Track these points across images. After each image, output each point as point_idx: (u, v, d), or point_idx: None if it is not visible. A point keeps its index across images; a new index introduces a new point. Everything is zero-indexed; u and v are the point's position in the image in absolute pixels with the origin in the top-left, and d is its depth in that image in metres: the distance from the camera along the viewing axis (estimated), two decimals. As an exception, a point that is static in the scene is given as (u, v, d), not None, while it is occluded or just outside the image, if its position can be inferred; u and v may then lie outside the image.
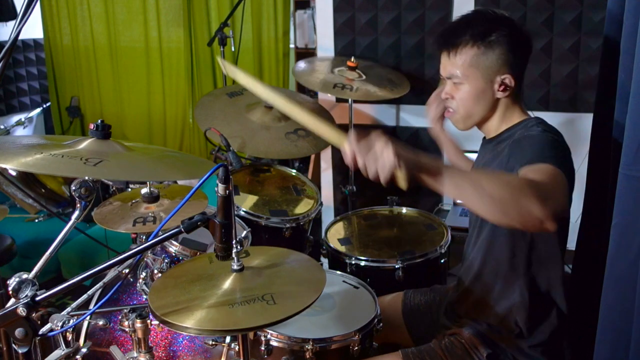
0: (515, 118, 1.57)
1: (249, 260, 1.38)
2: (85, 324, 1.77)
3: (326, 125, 1.35)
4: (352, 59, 2.57)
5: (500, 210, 1.15)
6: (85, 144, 1.38)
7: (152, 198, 1.68)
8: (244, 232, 1.95)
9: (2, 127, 4.18)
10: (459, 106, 1.55)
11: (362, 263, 2.05)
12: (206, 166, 1.54)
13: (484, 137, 1.65)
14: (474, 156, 1.76)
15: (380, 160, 1.16)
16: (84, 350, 1.34)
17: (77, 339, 1.75)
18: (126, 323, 1.56)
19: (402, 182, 1.18)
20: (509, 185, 1.16)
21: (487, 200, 1.15)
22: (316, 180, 3.10)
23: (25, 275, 1.09)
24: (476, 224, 1.63)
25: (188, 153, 4.37)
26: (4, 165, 1.19)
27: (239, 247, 1.26)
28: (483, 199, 1.16)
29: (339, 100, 2.99)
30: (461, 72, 1.50)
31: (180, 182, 2.15)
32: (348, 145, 1.23)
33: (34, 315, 1.07)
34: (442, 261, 2.10)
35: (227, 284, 1.27)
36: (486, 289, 1.60)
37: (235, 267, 1.29)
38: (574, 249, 1.87)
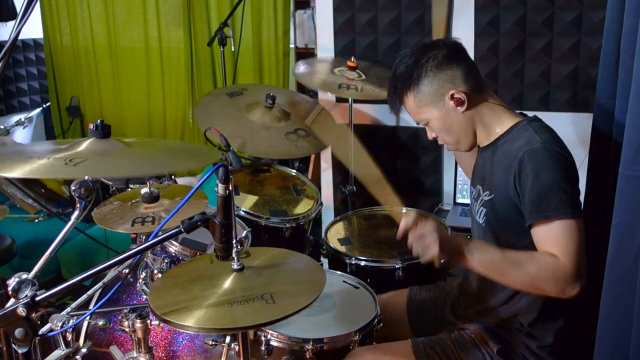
0: (505, 122, 1.55)
1: (249, 260, 1.38)
2: (85, 324, 1.77)
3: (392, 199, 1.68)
4: (352, 59, 2.57)
5: (531, 291, 1.47)
6: (85, 144, 1.37)
7: (152, 198, 1.68)
8: (244, 232, 1.95)
9: (2, 127, 4.18)
10: (444, 138, 1.60)
11: (362, 263, 2.05)
12: (207, 154, 1.53)
13: (479, 146, 1.63)
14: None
15: (427, 250, 1.42)
16: (83, 350, 1.35)
17: (77, 339, 1.75)
18: (126, 323, 1.56)
19: (436, 264, 1.46)
20: (536, 278, 1.39)
21: (518, 286, 1.48)
22: (316, 180, 3.09)
23: (25, 275, 1.09)
24: (479, 230, 1.62)
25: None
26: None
27: (239, 247, 1.26)
28: (513, 285, 1.47)
29: (338, 100, 2.99)
30: (418, 115, 1.57)
31: (180, 182, 2.15)
32: (404, 223, 1.48)
33: (33, 315, 1.07)
34: (442, 261, 2.10)
35: (227, 283, 1.27)
36: (492, 292, 1.60)
37: (235, 266, 1.29)
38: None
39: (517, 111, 1.61)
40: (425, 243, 1.43)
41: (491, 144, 1.57)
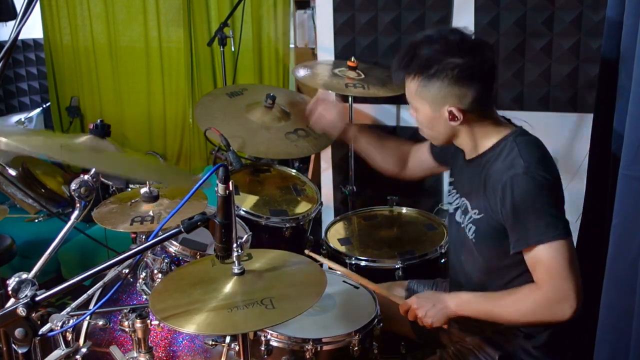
0: (491, 138, 1.53)
1: (251, 263, 1.38)
2: (85, 324, 1.77)
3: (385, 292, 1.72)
4: (352, 58, 2.56)
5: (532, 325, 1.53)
6: (83, 138, 1.37)
7: (152, 198, 1.68)
8: (245, 236, 1.95)
9: (2, 127, 4.18)
10: (421, 127, 1.59)
11: (362, 263, 2.05)
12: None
13: (463, 156, 1.62)
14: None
15: (435, 320, 1.56)
16: (83, 350, 1.35)
17: (77, 339, 1.75)
18: (126, 323, 1.56)
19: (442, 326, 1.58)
20: (530, 316, 1.45)
21: (514, 323, 1.53)
22: (316, 180, 3.09)
23: (25, 275, 1.09)
24: (468, 245, 1.61)
25: (187, 154, 4.38)
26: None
27: (239, 250, 1.26)
28: (513, 324, 1.54)
29: (339, 100, 2.99)
30: (411, 100, 1.54)
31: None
32: (405, 305, 1.64)
33: (33, 315, 1.07)
34: (442, 261, 2.10)
35: (228, 287, 1.27)
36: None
37: (236, 270, 1.29)
38: (573, 249, 1.88)
39: (503, 116, 1.59)
40: (434, 314, 1.56)
41: (478, 157, 1.56)
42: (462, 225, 1.61)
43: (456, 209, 1.66)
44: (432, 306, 1.56)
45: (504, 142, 1.50)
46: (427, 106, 1.50)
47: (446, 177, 2.92)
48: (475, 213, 1.55)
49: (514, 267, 1.50)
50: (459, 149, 1.63)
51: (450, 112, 1.47)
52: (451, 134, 1.55)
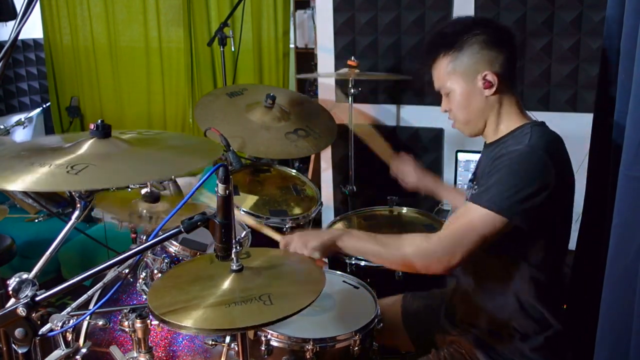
0: (513, 123, 1.55)
1: (249, 260, 1.38)
2: (85, 324, 1.77)
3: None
4: (352, 58, 2.57)
5: (405, 269, 1.59)
6: (86, 146, 1.34)
7: (153, 198, 1.68)
8: (244, 233, 1.95)
9: (2, 127, 4.18)
10: (456, 114, 1.59)
11: (362, 263, 2.05)
12: (209, 150, 1.52)
13: (485, 142, 1.64)
14: (476, 156, 1.76)
15: (310, 244, 1.53)
16: (83, 350, 1.34)
17: (77, 339, 1.75)
18: (126, 323, 1.56)
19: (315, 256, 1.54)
20: (405, 256, 1.48)
21: (393, 265, 1.62)
22: (316, 180, 3.09)
23: (25, 275, 1.09)
24: None
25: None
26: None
27: (238, 247, 1.26)
28: (389, 264, 1.59)
29: (339, 100, 2.99)
30: (444, 82, 1.56)
31: (180, 182, 2.15)
32: (284, 240, 1.59)
33: (34, 315, 1.07)
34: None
35: (226, 284, 1.27)
36: (484, 296, 1.60)
37: (234, 267, 1.29)
38: (574, 249, 1.87)
39: (530, 114, 1.60)
40: (300, 242, 1.54)
41: (495, 141, 1.57)
42: None
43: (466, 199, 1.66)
44: (312, 235, 1.57)
45: (522, 128, 1.53)
46: (461, 80, 1.53)
47: (446, 178, 2.93)
48: (475, 189, 1.55)
49: (502, 252, 1.49)
50: None
51: (485, 78, 1.51)
52: (486, 113, 1.55)
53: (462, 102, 1.55)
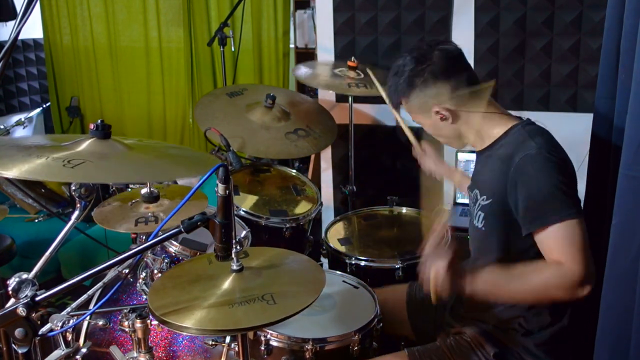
0: (499, 127, 1.57)
1: (249, 260, 1.38)
2: (85, 324, 1.77)
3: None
4: (352, 58, 2.57)
5: (542, 302, 1.49)
6: (85, 144, 1.36)
7: (152, 198, 1.68)
8: (244, 232, 1.95)
9: (2, 127, 4.18)
10: (437, 138, 1.69)
11: (362, 263, 2.05)
12: (207, 161, 1.53)
13: (475, 150, 1.66)
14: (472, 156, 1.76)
15: (443, 288, 1.44)
16: (83, 350, 1.35)
17: (77, 339, 1.75)
18: (126, 323, 1.56)
19: (434, 300, 1.46)
20: (544, 289, 1.41)
21: (528, 300, 1.50)
22: (316, 180, 3.09)
23: (25, 275, 1.09)
24: (479, 234, 1.62)
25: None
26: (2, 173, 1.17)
27: (238, 247, 1.26)
28: (523, 300, 1.50)
29: (339, 100, 2.99)
30: (414, 119, 1.68)
31: (180, 182, 2.15)
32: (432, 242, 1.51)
33: (34, 315, 1.07)
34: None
35: (227, 284, 1.27)
36: None
37: (234, 267, 1.29)
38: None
39: (514, 114, 1.61)
40: (433, 281, 1.45)
41: (487, 147, 1.59)
42: (472, 217, 1.63)
43: (472, 205, 1.67)
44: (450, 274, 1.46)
45: (514, 129, 1.54)
46: (421, 117, 1.63)
47: (446, 177, 2.93)
48: (483, 199, 1.57)
49: (525, 255, 1.49)
50: None
51: (438, 113, 1.57)
52: (460, 135, 1.62)
53: (434, 131, 1.65)
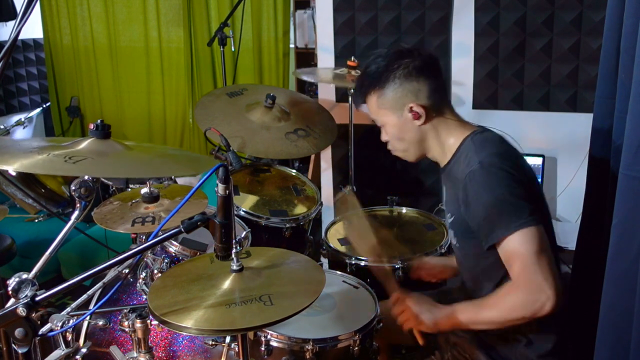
0: (452, 138, 1.57)
1: (249, 260, 1.38)
2: (85, 324, 1.77)
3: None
4: (352, 58, 2.57)
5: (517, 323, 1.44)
6: (85, 144, 1.37)
7: (152, 198, 1.68)
8: (244, 232, 1.95)
9: (2, 127, 4.18)
10: (394, 144, 1.64)
11: (362, 263, 2.05)
12: (205, 162, 1.53)
13: (440, 167, 1.66)
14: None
15: (424, 325, 1.53)
16: (83, 350, 1.34)
17: (77, 339, 1.75)
18: (126, 323, 1.56)
19: (420, 341, 1.57)
20: (512, 314, 1.40)
21: (505, 326, 1.45)
22: (316, 180, 3.09)
23: (25, 275, 1.09)
24: (455, 250, 1.65)
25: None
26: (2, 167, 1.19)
27: (238, 247, 1.26)
28: (502, 326, 1.46)
29: (339, 100, 2.99)
30: (376, 116, 1.62)
31: (180, 182, 2.15)
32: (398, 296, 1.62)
33: (33, 315, 1.07)
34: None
35: (226, 284, 1.27)
36: None
37: (234, 267, 1.29)
38: (574, 249, 1.88)
39: (470, 121, 1.62)
40: (408, 324, 1.56)
41: (447, 164, 1.60)
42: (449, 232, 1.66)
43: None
44: (426, 310, 1.54)
45: (464, 144, 1.55)
46: (390, 114, 1.58)
47: (446, 177, 2.93)
48: (449, 217, 1.60)
49: (498, 265, 1.48)
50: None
51: (412, 110, 1.54)
52: (422, 141, 1.59)
53: (397, 134, 1.60)
